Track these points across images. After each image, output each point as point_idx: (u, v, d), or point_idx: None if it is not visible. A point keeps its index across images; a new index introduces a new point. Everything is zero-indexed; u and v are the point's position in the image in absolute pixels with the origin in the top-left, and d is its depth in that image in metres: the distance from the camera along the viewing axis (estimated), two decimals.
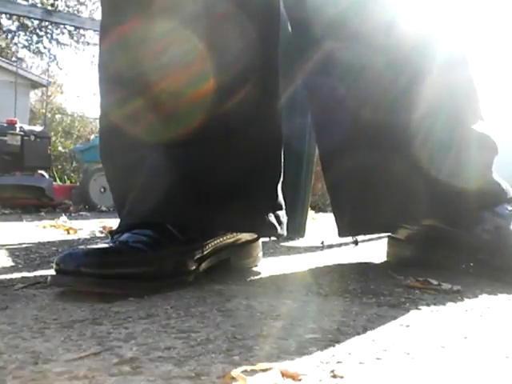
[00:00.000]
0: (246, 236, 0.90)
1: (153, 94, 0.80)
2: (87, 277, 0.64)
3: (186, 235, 0.76)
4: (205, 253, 0.79)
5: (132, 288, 0.66)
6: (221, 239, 0.84)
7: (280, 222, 0.90)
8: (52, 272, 0.67)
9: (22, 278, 0.78)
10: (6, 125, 3.63)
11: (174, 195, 0.79)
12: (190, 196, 0.80)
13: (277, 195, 0.91)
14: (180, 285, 0.71)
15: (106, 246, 0.71)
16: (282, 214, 0.92)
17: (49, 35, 13.91)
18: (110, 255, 0.68)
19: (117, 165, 0.87)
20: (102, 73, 0.87)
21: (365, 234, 1.12)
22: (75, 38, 14.05)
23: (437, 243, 0.92)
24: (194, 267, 0.76)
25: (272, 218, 0.88)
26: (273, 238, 1.31)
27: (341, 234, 1.01)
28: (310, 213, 2.00)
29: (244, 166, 0.84)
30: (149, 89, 0.80)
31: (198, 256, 0.77)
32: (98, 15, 12.78)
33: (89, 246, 0.70)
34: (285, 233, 0.92)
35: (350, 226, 1.00)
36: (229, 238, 0.86)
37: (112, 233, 0.78)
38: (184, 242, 0.76)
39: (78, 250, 0.68)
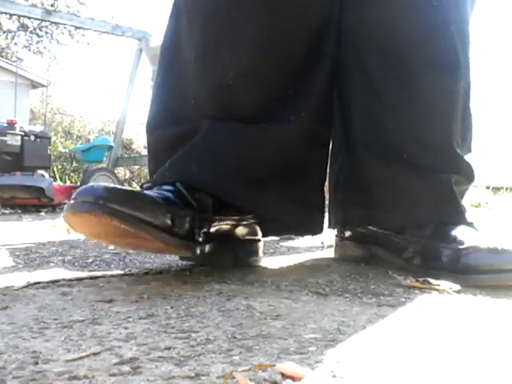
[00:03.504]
0: (249, 231, 0.91)
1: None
2: (106, 208, 0.66)
3: (199, 203, 0.79)
4: (211, 230, 0.80)
5: (144, 231, 0.68)
6: (224, 223, 0.85)
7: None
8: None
9: (22, 278, 0.78)
10: (6, 125, 3.62)
11: (232, 171, 0.84)
12: (241, 175, 0.84)
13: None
14: (185, 250, 0.75)
15: (127, 188, 0.73)
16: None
17: (49, 35, 13.92)
18: (130, 197, 0.70)
19: (164, 133, 0.89)
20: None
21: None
22: (75, 38, 14.05)
23: (375, 243, 0.96)
24: (201, 239, 0.77)
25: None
26: (273, 238, 1.32)
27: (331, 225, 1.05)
28: None
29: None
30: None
31: (204, 229, 0.79)
32: (97, 15, 12.78)
33: (108, 185, 0.71)
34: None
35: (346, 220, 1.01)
36: (232, 225, 0.87)
37: (142, 185, 0.84)
38: (196, 209, 0.78)
39: (99, 185, 0.70)
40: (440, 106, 0.89)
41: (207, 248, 0.79)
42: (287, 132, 0.87)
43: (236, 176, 0.84)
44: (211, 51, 0.86)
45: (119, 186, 0.74)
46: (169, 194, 0.76)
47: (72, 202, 0.68)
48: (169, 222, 0.72)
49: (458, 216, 0.89)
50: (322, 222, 0.96)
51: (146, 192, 0.76)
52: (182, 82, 0.88)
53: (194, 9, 0.88)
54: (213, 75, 0.86)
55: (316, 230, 0.96)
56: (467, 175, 0.93)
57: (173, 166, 0.83)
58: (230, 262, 0.88)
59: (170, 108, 0.90)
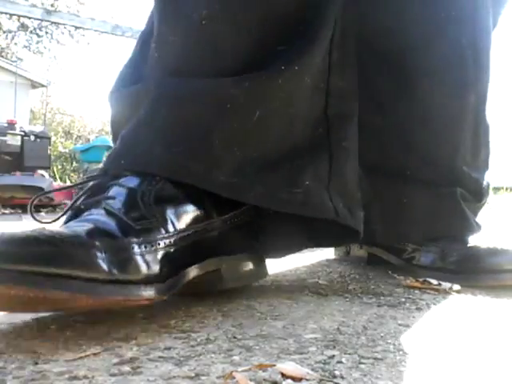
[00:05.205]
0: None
1: None
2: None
3: (141, 222, 0.54)
4: (172, 249, 0.56)
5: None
6: (189, 227, 0.59)
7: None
8: None
9: None
10: (6, 125, 3.63)
11: (188, 141, 0.60)
12: (212, 147, 0.61)
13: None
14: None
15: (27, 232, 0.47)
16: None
17: (49, 35, 13.93)
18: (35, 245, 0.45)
19: (121, 97, 0.71)
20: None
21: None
22: (75, 38, 14.07)
23: (375, 244, 0.94)
24: (157, 269, 0.53)
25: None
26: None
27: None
28: None
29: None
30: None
31: (161, 253, 0.54)
32: (97, 15, 12.79)
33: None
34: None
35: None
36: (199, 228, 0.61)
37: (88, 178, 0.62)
38: (138, 232, 0.53)
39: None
40: (443, 122, 0.85)
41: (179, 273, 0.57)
42: (278, 83, 0.63)
43: (215, 158, 0.61)
44: None
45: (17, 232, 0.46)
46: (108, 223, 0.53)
47: None
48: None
49: (465, 231, 0.85)
50: (355, 220, 0.71)
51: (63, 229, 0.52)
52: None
53: None
54: (181, 14, 0.65)
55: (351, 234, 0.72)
56: (473, 193, 0.88)
57: (127, 146, 0.62)
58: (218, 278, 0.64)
59: (135, 65, 0.72)
